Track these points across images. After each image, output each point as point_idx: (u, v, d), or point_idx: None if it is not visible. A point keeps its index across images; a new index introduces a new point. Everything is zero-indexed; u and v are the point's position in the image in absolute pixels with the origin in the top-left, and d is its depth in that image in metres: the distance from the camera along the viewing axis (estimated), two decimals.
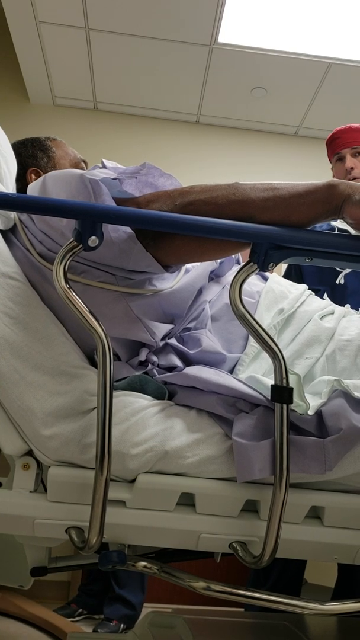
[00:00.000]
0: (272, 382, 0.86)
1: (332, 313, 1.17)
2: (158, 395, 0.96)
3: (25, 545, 1.20)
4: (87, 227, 0.82)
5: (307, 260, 0.88)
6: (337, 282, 1.95)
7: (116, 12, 2.88)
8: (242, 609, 2.04)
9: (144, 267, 0.95)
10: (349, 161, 2.06)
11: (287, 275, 2.13)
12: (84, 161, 1.40)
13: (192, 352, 1.01)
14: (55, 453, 0.88)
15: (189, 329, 1.06)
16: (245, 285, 0.86)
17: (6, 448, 0.92)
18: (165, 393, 0.97)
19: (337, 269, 1.97)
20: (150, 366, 0.98)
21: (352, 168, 2.05)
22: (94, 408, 0.89)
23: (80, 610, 2.53)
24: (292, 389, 0.85)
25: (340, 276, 1.97)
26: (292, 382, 0.86)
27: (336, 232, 1.94)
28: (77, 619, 2.50)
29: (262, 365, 1.06)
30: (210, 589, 0.89)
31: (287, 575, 1.97)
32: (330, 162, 2.19)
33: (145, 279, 1.00)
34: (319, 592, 2.53)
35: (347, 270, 1.96)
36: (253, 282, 1.20)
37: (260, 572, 1.95)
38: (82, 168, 1.39)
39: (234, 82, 3.33)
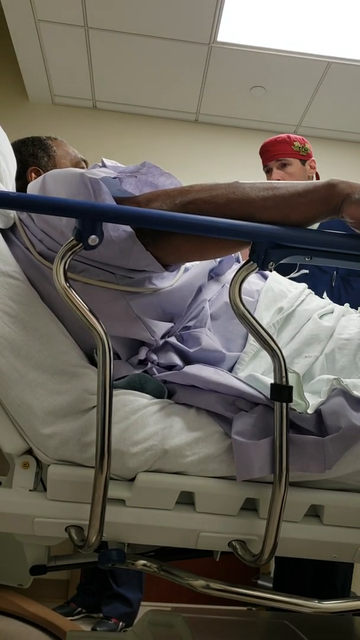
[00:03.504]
0: (272, 381, 0.86)
1: (332, 312, 1.17)
2: (158, 394, 0.96)
3: (25, 544, 1.20)
4: (87, 226, 0.82)
5: (306, 259, 0.88)
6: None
7: (115, 10, 2.87)
8: (244, 608, 2.05)
9: (143, 265, 0.95)
10: (275, 174, 2.18)
11: None
12: (84, 160, 1.40)
13: (191, 350, 1.01)
14: (54, 452, 0.88)
15: (188, 328, 1.07)
16: (244, 284, 0.86)
17: (6, 447, 0.92)
18: (164, 392, 0.97)
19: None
20: (149, 365, 0.99)
21: (278, 180, 2.10)
22: (94, 407, 0.89)
23: (80, 609, 2.53)
24: (291, 387, 0.85)
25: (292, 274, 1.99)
26: (292, 380, 0.87)
27: None
28: (76, 617, 2.50)
29: (262, 364, 1.06)
30: (210, 588, 0.89)
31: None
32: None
33: (144, 277, 1.00)
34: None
35: (294, 275, 1.98)
36: (252, 281, 1.21)
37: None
38: (82, 167, 1.39)
39: (233, 80, 3.33)
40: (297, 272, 1.96)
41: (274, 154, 2.20)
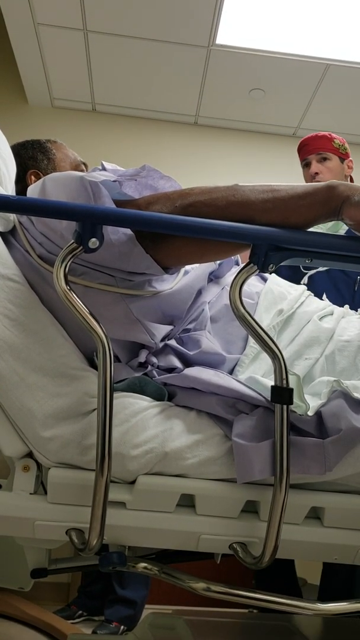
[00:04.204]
0: (272, 383, 0.86)
1: (332, 314, 1.17)
2: (158, 397, 0.96)
3: (25, 547, 1.20)
4: (87, 229, 0.82)
5: (307, 261, 0.88)
6: (302, 283, 1.97)
7: (114, 13, 2.88)
8: (245, 610, 2.04)
9: (143, 268, 0.95)
10: (314, 166, 2.17)
11: None
12: (84, 163, 1.41)
13: (191, 353, 1.01)
14: (55, 455, 0.88)
15: (188, 330, 1.07)
16: (244, 286, 0.86)
17: (6, 450, 0.92)
18: (165, 394, 0.97)
19: (302, 269, 2.01)
20: (149, 367, 0.99)
21: (316, 173, 2.15)
22: (94, 409, 0.89)
23: (80, 612, 2.52)
24: (292, 389, 0.85)
25: (304, 278, 1.99)
26: (292, 382, 0.87)
27: None
28: (77, 620, 2.49)
29: (262, 366, 1.06)
30: (210, 590, 0.89)
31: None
32: (302, 168, 2.27)
33: (144, 280, 1.00)
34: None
35: (312, 272, 1.99)
36: (252, 283, 1.21)
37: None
38: (82, 170, 1.39)
39: (232, 83, 3.34)
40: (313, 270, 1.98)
41: (315, 147, 2.19)
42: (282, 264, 0.87)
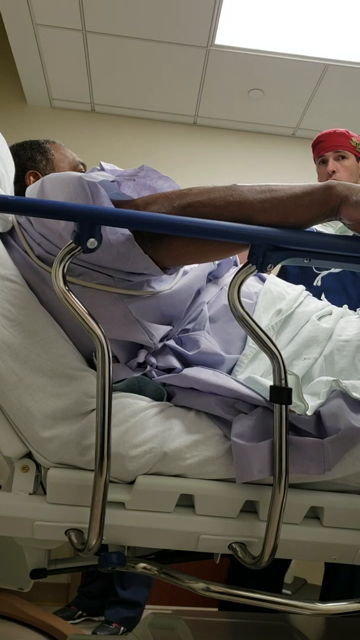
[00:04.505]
0: (271, 383, 0.86)
1: (330, 314, 1.17)
2: (157, 397, 0.97)
3: (25, 547, 1.20)
4: (85, 229, 0.82)
5: (305, 261, 0.88)
6: (315, 284, 1.97)
7: (113, 14, 2.88)
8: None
9: (142, 269, 0.95)
10: (332, 164, 2.09)
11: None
12: (83, 164, 1.41)
13: (190, 353, 1.01)
14: (54, 455, 0.88)
15: (187, 331, 1.07)
16: (243, 287, 0.86)
17: (5, 450, 0.92)
18: (164, 394, 0.98)
19: (315, 270, 1.99)
20: (148, 368, 0.99)
21: (333, 171, 2.07)
22: (93, 410, 0.89)
23: (80, 612, 2.53)
24: (291, 389, 0.85)
25: (317, 278, 1.98)
26: (291, 382, 0.87)
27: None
28: (77, 621, 2.49)
29: (261, 366, 1.06)
30: (210, 590, 0.89)
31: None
32: (315, 164, 2.21)
33: (143, 280, 1.00)
34: (319, 593, 2.52)
35: (324, 272, 1.98)
36: (251, 284, 1.21)
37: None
38: (80, 171, 1.39)
39: (231, 83, 3.34)
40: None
41: (333, 144, 2.12)
42: (281, 263, 0.87)
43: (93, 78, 3.39)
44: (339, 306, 1.22)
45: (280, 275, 2.10)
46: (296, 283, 1.97)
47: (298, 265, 0.90)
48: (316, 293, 1.93)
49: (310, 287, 1.97)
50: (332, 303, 1.26)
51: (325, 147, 2.14)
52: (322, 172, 2.14)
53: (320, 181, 2.12)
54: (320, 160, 2.16)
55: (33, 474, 0.92)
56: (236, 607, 1.21)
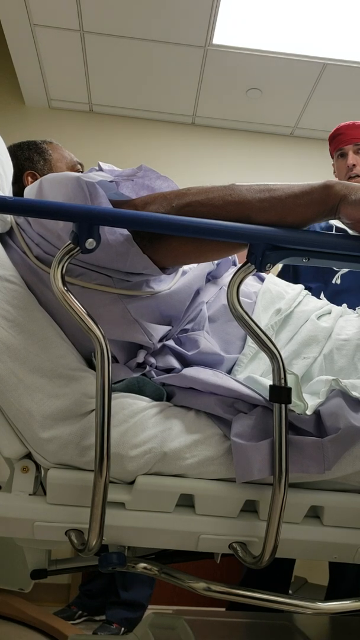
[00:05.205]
0: (270, 383, 0.86)
1: (329, 313, 1.17)
2: (156, 397, 0.96)
3: (25, 548, 1.20)
4: (84, 230, 0.82)
5: (304, 260, 0.88)
6: (334, 281, 1.95)
7: (110, 14, 2.88)
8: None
9: (141, 269, 0.95)
10: (352, 158, 2.03)
11: (283, 271, 2.14)
12: (81, 164, 1.41)
13: (189, 353, 1.01)
14: (54, 456, 0.88)
15: (186, 331, 1.07)
16: (242, 286, 0.86)
17: (5, 451, 0.92)
18: (163, 394, 0.97)
19: (335, 268, 1.97)
20: (148, 368, 0.99)
21: (354, 165, 2.02)
22: (92, 410, 0.89)
23: (81, 612, 2.52)
24: (290, 389, 0.85)
25: (336, 276, 1.97)
26: (290, 382, 0.86)
27: (334, 230, 1.95)
28: (77, 621, 2.49)
29: (260, 366, 1.06)
30: (210, 590, 0.89)
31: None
32: (332, 157, 2.15)
33: (142, 280, 1.00)
34: (319, 592, 2.53)
35: (344, 270, 1.96)
36: (250, 283, 1.21)
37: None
38: (78, 171, 1.39)
39: (229, 83, 3.34)
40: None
41: (353, 137, 2.05)
42: (280, 263, 0.87)
43: (91, 78, 3.38)
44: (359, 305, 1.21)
45: (292, 272, 2.07)
46: (313, 280, 1.97)
47: (298, 265, 0.90)
48: (335, 292, 1.92)
49: (326, 286, 1.96)
50: (352, 302, 1.25)
51: (344, 139, 2.07)
52: (341, 166, 2.08)
53: (339, 176, 2.11)
54: (339, 154, 2.10)
55: (33, 474, 0.92)
56: (244, 607, 1.21)
